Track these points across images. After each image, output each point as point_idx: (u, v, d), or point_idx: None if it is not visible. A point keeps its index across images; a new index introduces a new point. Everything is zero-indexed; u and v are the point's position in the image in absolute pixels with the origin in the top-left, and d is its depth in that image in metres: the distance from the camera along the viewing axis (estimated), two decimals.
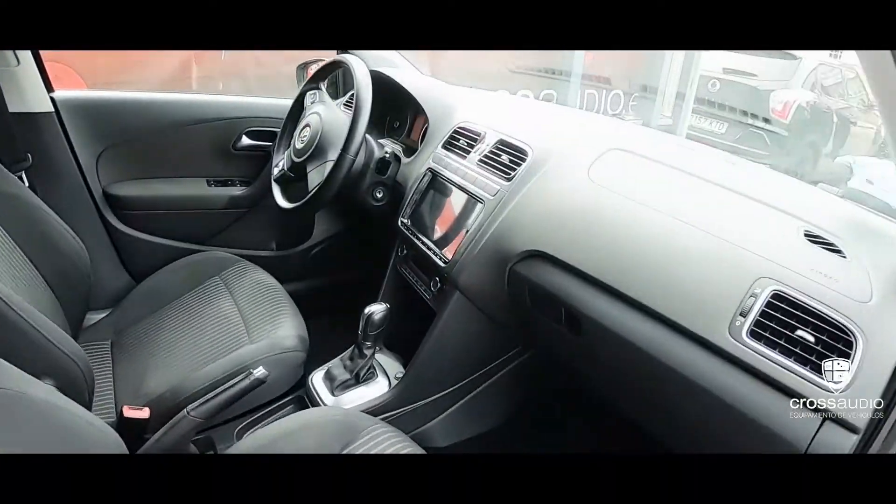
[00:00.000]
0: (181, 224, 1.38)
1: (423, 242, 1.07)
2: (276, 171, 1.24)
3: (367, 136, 1.22)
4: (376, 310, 1.04)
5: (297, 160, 1.16)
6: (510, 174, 0.97)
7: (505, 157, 1.01)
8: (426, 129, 1.25)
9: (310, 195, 1.10)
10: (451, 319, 1.02)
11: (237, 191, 1.42)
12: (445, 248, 1.02)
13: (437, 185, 1.12)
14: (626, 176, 0.90)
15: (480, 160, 1.05)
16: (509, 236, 0.92)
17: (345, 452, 0.73)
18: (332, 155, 1.08)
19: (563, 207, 0.88)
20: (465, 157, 1.09)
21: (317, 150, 1.13)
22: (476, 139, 1.10)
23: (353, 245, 1.56)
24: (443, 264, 1.00)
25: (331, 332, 1.27)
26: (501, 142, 1.05)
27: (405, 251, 1.18)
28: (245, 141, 1.38)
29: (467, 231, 0.98)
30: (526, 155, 0.98)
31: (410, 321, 1.15)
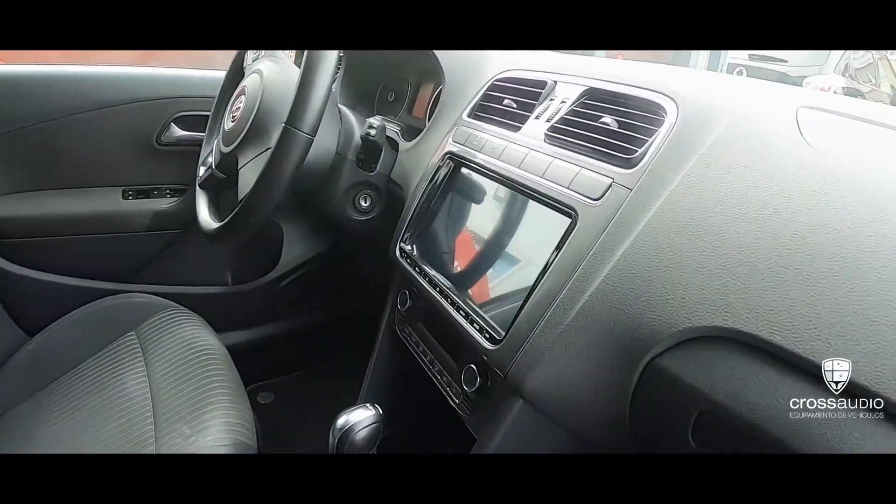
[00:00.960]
0: (87, 254, 0.96)
1: (442, 293, 0.53)
2: (201, 171, 0.75)
3: (344, 108, 0.72)
4: (358, 421, 0.51)
5: (226, 150, 0.66)
6: (632, 154, 0.43)
7: (609, 121, 0.46)
8: (438, 94, 0.72)
9: (238, 206, 0.58)
10: (505, 446, 0.48)
11: (166, 203, 0.98)
12: (491, 311, 0.48)
13: (463, 182, 0.58)
14: (863, 148, 0.41)
15: (552, 130, 0.51)
16: (644, 293, 0.38)
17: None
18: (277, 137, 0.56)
19: (781, 223, 0.34)
20: (519, 127, 0.54)
21: (253, 132, 0.62)
22: (537, 93, 0.55)
23: (338, 274, 1.11)
24: (489, 345, 0.45)
25: (303, 402, 0.98)
26: (594, 93, 0.51)
27: (408, 301, 0.63)
28: (175, 132, 0.95)
29: (539, 278, 0.43)
30: (663, 114, 0.44)
31: (421, 417, 0.65)
